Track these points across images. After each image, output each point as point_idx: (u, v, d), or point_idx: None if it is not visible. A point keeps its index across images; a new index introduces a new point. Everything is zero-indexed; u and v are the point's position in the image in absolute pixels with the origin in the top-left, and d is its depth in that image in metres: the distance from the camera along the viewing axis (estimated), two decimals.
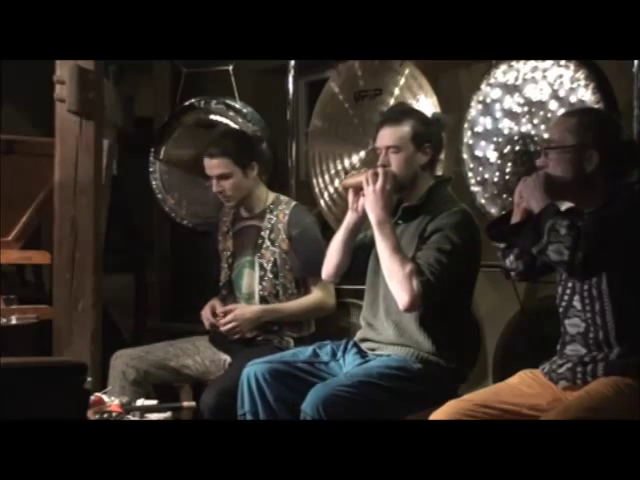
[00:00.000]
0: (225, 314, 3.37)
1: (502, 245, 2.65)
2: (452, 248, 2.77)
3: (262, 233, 3.46)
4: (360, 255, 3.01)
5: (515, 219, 2.54)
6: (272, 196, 3.53)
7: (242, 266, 3.49)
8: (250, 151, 3.50)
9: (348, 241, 2.99)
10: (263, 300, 3.43)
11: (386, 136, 2.90)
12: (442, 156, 3.38)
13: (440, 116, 3.11)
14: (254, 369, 2.88)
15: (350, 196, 2.93)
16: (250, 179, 3.45)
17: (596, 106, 3.11)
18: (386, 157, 2.89)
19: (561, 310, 2.53)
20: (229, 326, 3.35)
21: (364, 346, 2.97)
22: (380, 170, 2.82)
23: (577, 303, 2.47)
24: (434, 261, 2.74)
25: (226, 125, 4.18)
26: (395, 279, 2.74)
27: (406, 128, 2.89)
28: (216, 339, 3.49)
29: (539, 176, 2.45)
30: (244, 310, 3.39)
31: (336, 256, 3.01)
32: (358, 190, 2.88)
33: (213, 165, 3.43)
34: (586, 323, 2.45)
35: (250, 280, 3.47)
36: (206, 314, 3.45)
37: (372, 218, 2.80)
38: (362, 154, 3.80)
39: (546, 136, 3.26)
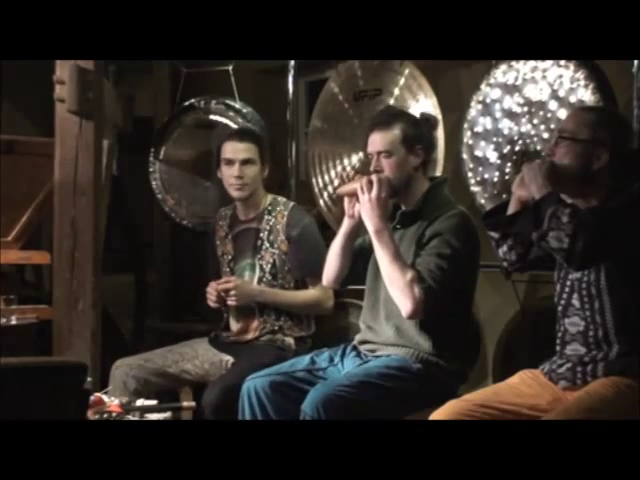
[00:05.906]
0: (226, 292, 3.35)
1: (496, 235, 2.64)
2: (452, 252, 2.76)
3: (261, 235, 3.45)
4: (359, 259, 3.01)
5: (511, 210, 2.54)
6: (269, 198, 3.51)
7: (243, 269, 3.48)
8: (267, 148, 3.50)
9: (346, 247, 2.99)
10: (261, 302, 3.41)
11: (377, 141, 2.89)
12: (440, 156, 3.40)
13: (429, 116, 3.10)
14: (254, 383, 2.87)
15: (346, 203, 2.93)
16: (261, 175, 3.45)
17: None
18: (378, 162, 2.89)
19: (560, 308, 2.53)
20: (230, 295, 3.34)
21: (364, 348, 2.96)
22: (374, 177, 2.81)
23: (576, 301, 2.47)
24: (435, 267, 2.74)
25: (225, 125, 4.19)
26: (396, 287, 2.74)
27: (396, 132, 2.88)
28: (217, 341, 3.49)
29: (544, 162, 2.44)
30: (244, 286, 3.39)
31: (336, 262, 3.01)
32: (353, 197, 2.87)
33: (239, 149, 3.42)
34: (585, 321, 2.45)
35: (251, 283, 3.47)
36: (211, 286, 3.41)
37: (369, 227, 2.79)
38: (362, 154, 3.79)
39: (546, 136, 3.27)
